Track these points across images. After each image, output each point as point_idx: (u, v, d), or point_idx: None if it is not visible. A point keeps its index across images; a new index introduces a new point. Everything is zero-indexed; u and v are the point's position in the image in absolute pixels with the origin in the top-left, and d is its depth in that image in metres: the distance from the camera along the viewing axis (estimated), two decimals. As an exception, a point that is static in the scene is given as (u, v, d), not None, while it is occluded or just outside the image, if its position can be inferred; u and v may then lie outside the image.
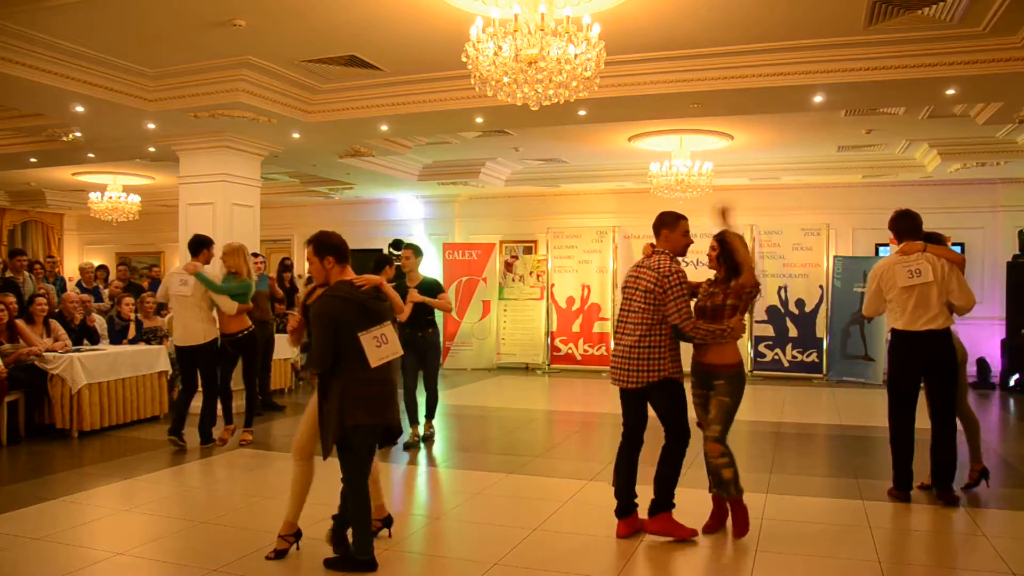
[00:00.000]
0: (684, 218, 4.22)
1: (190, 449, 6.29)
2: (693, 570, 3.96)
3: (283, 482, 4.59)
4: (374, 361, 3.69)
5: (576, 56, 4.43)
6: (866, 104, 7.35)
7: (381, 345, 3.72)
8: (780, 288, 10.98)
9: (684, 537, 4.13)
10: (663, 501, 4.14)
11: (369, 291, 3.79)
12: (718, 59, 6.32)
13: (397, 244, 12.21)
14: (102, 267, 11.46)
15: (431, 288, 6.42)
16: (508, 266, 12.39)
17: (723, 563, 3.96)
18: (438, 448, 6.58)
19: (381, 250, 11.94)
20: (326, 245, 3.77)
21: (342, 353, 3.67)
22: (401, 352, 3.86)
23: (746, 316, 4.19)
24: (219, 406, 6.59)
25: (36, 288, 8.76)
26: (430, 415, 6.72)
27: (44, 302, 7.41)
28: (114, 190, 11.72)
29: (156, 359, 7.69)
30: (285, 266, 10.52)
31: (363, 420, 3.66)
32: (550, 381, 11.18)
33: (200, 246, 6.51)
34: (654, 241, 4.24)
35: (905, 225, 4.96)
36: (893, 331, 4.90)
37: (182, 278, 6.40)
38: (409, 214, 14.04)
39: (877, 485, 5.31)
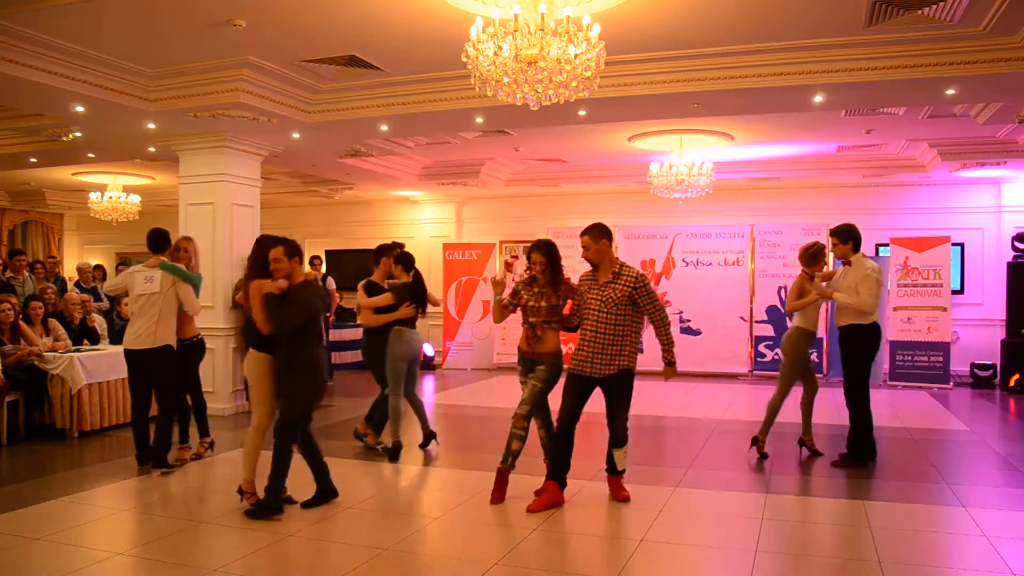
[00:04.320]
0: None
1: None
2: (693, 570, 3.95)
3: (283, 482, 4.61)
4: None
5: (576, 56, 4.43)
6: (866, 104, 7.35)
7: None
8: (780, 288, 10.94)
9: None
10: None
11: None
12: (718, 59, 6.32)
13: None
14: (99, 267, 11.44)
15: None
16: (508, 266, 12.38)
17: (723, 563, 3.96)
18: (438, 448, 6.55)
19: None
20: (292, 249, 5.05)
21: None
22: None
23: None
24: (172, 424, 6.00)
25: (36, 288, 8.75)
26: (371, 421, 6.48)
27: (39, 304, 7.40)
28: (114, 190, 11.71)
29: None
30: None
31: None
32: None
33: (166, 242, 5.86)
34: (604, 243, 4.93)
35: (858, 234, 5.85)
36: (874, 324, 5.83)
37: (147, 275, 5.70)
38: (409, 214, 14.04)
39: (877, 485, 5.32)
